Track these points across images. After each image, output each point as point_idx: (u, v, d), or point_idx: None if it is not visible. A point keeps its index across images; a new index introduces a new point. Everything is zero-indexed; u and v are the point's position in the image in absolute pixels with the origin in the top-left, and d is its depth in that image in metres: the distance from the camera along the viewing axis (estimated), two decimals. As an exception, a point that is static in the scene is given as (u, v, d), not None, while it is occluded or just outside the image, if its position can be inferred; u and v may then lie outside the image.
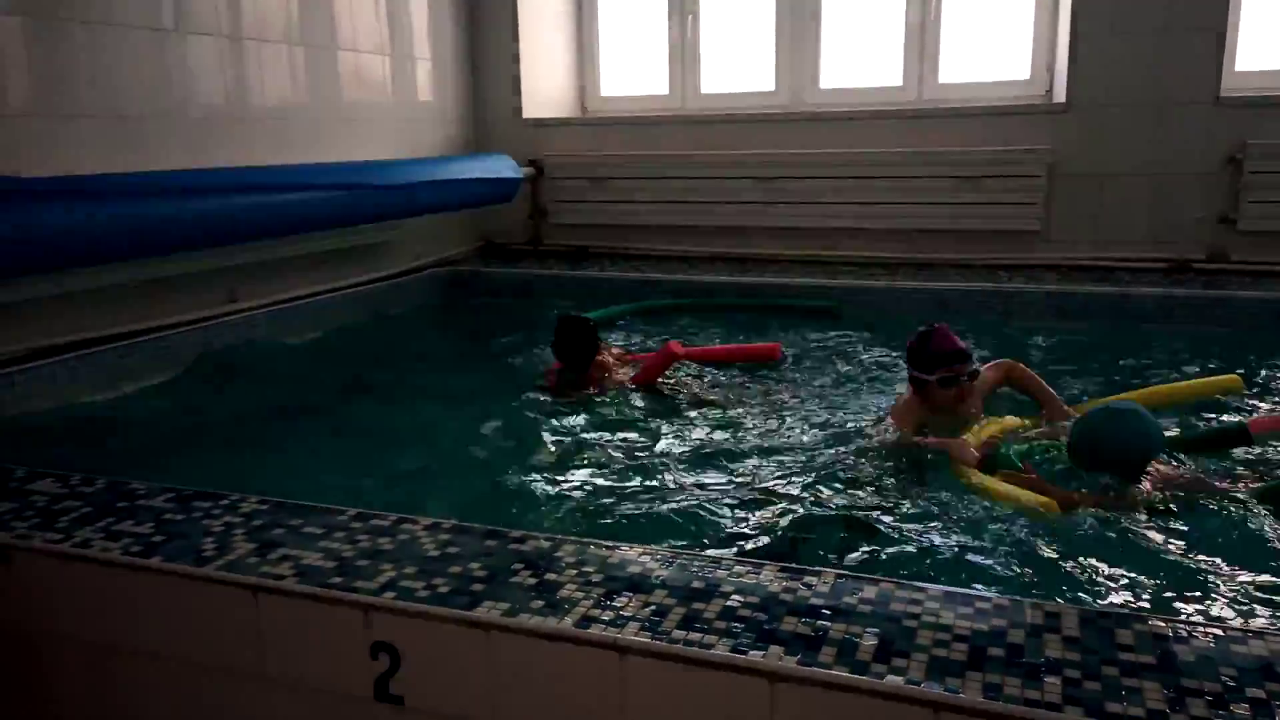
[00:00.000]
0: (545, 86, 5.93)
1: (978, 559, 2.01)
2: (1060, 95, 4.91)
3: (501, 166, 5.32)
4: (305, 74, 4.52)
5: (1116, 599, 1.84)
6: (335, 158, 4.57)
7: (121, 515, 1.95)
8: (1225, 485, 2.31)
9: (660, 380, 3.37)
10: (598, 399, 3.24)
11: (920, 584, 1.57)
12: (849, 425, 2.92)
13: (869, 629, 1.43)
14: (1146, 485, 2.28)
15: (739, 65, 5.78)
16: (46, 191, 3.03)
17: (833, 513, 2.28)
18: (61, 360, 3.23)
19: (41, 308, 3.28)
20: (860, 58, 5.52)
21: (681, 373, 3.49)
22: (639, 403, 3.23)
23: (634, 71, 6.07)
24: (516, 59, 5.74)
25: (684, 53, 5.85)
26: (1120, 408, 2.36)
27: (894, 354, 3.72)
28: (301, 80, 4.50)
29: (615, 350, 3.63)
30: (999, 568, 1.97)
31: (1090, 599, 1.85)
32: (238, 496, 2.02)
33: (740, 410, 3.13)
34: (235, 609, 1.66)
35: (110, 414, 3.14)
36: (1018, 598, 1.52)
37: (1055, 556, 1.99)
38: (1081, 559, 1.97)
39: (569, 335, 3.37)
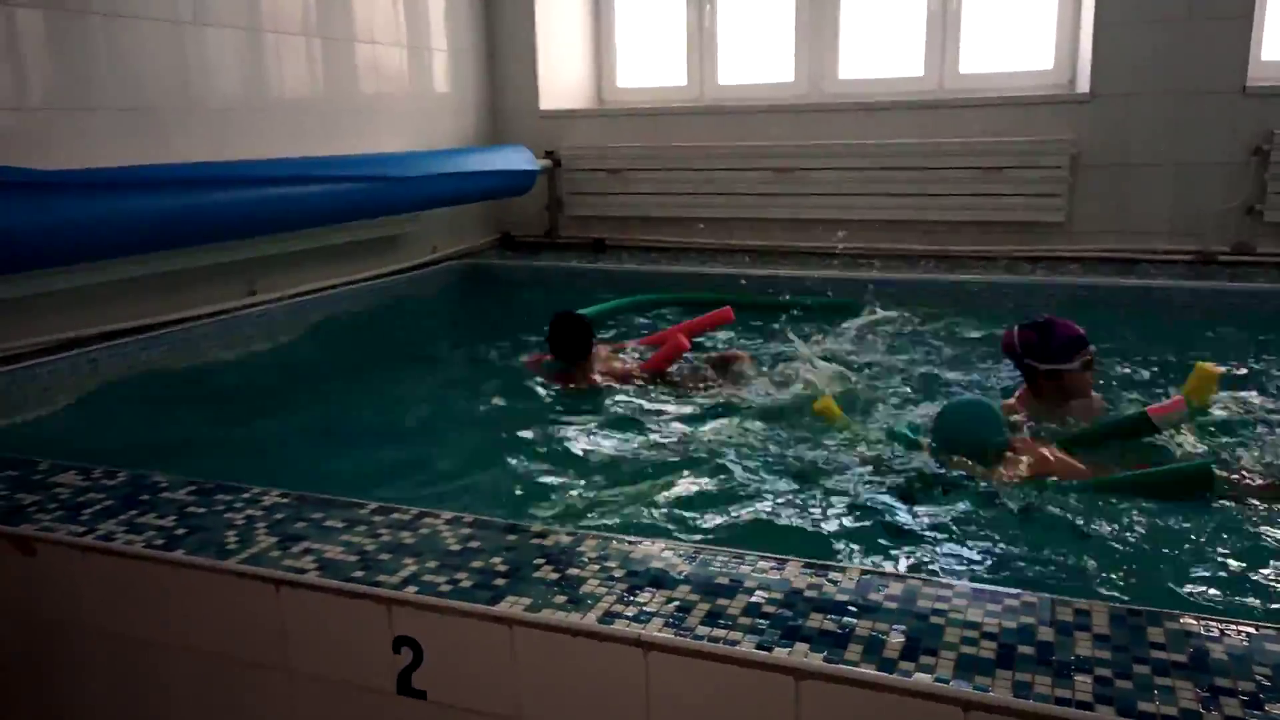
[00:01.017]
0: (562, 78, 5.91)
1: (1006, 555, 1.99)
2: (1084, 85, 4.85)
3: (518, 158, 5.30)
4: (323, 66, 4.51)
5: (1148, 593, 1.81)
6: (353, 150, 4.57)
7: (144, 508, 1.95)
8: (1089, 469, 2.35)
9: (669, 371, 3.37)
10: (615, 389, 3.23)
11: (947, 580, 1.55)
12: (876, 414, 2.90)
13: (895, 626, 1.42)
14: (1003, 471, 2.34)
15: (757, 55, 5.74)
16: (66, 184, 3.04)
17: (859, 504, 2.26)
18: (84, 353, 3.24)
19: (62, 300, 3.30)
20: (880, 47, 5.47)
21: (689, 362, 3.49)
22: (652, 394, 3.22)
23: (651, 62, 6.04)
24: (533, 50, 5.73)
25: (702, 43, 5.81)
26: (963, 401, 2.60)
27: (911, 348, 3.70)
28: (319, 72, 4.50)
29: (605, 350, 3.60)
30: (1024, 563, 1.95)
31: (1120, 595, 1.82)
32: (260, 490, 2.02)
33: (753, 400, 3.11)
34: (258, 602, 1.66)
35: (132, 406, 3.15)
36: (1047, 595, 1.50)
37: (1082, 549, 1.97)
38: (1107, 551, 1.95)
39: (564, 330, 3.34)
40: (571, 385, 3.30)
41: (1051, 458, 2.39)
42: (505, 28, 5.77)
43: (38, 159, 3.13)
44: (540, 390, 3.30)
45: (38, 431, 2.87)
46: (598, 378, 3.33)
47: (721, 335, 4.00)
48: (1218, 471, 2.23)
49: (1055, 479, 2.30)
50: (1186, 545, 2.00)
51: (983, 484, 2.33)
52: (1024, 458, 2.38)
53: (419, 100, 5.22)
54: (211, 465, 2.30)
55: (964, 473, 2.39)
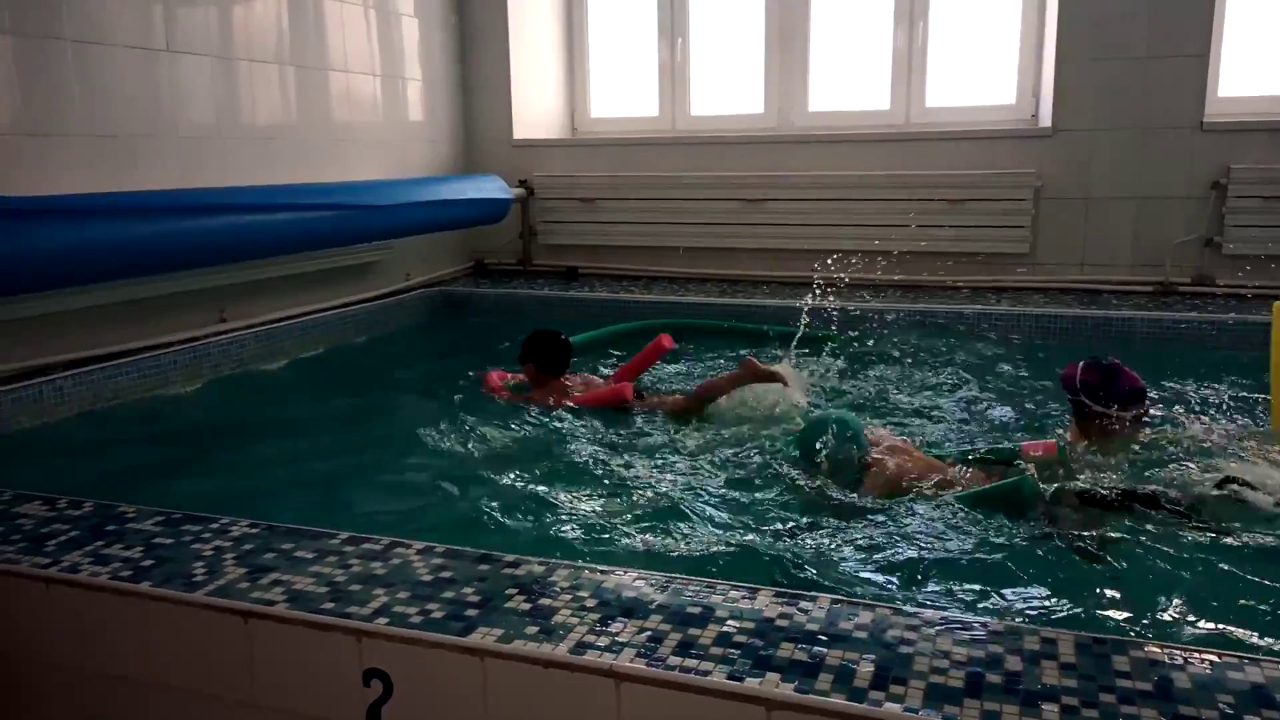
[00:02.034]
0: (536, 108, 5.95)
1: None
2: (1046, 120, 4.97)
3: (492, 187, 5.33)
4: (296, 94, 4.52)
5: (1112, 623, 1.84)
6: (326, 177, 4.57)
7: (111, 539, 1.93)
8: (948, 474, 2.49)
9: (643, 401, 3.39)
10: (584, 414, 3.24)
11: (917, 610, 1.57)
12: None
13: (866, 655, 1.43)
14: (867, 483, 2.48)
15: (728, 88, 5.83)
16: (35, 210, 3.01)
17: (823, 530, 2.27)
18: (49, 380, 3.20)
19: (29, 327, 3.26)
20: (848, 81, 5.57)
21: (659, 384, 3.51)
22: (623, 420, 3.24)
23: (624, 93, 6.11)
24: (507, 80, 5.77)
25: (674, 75, 5.89)
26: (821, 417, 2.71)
27: (877, 377, 3.75)
28: (292, 100, 4.51)
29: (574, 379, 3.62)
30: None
31: (1087, 624, 1.85)
32: (228, 520, 2.01)
33: (723, 431, 3.13)
34: (226, 635, 1.64)
35: (98, 434, 3.11)
36: (1014, 624, 1.52)
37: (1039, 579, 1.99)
38: (1064, 583, 1.98)
39: (547, 342, 3.44)
40: (536, 400, 3.32)
41: (908, 462, 2.54)
42: (479, 58, 5.81)
43: (4, 185, 3.10)
44: (511, 418, 3.29)
45: (1, 460, 2.82)
46: (566, 400, 3.35)
47: (673, 367, 4.01)
48: (1042, 487, 2.34)
49: (916, 482, 2.44)
50: (1153, 574, 2.03)
51: (853, 495, 2.46)
52: (890, 462, 2.52)
53: (393, 129, 5.24)
54: (179, 495, 2.28)
55: (836, 487, 2.51)
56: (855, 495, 2.47)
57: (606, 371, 3.80)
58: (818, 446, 2.57)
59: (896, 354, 4.12)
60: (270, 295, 4.28)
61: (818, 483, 2.54)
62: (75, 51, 3.45)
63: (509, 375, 3.58)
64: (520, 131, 5.84)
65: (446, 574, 1.74)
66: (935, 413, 3.32)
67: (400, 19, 5.25)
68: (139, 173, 3.68)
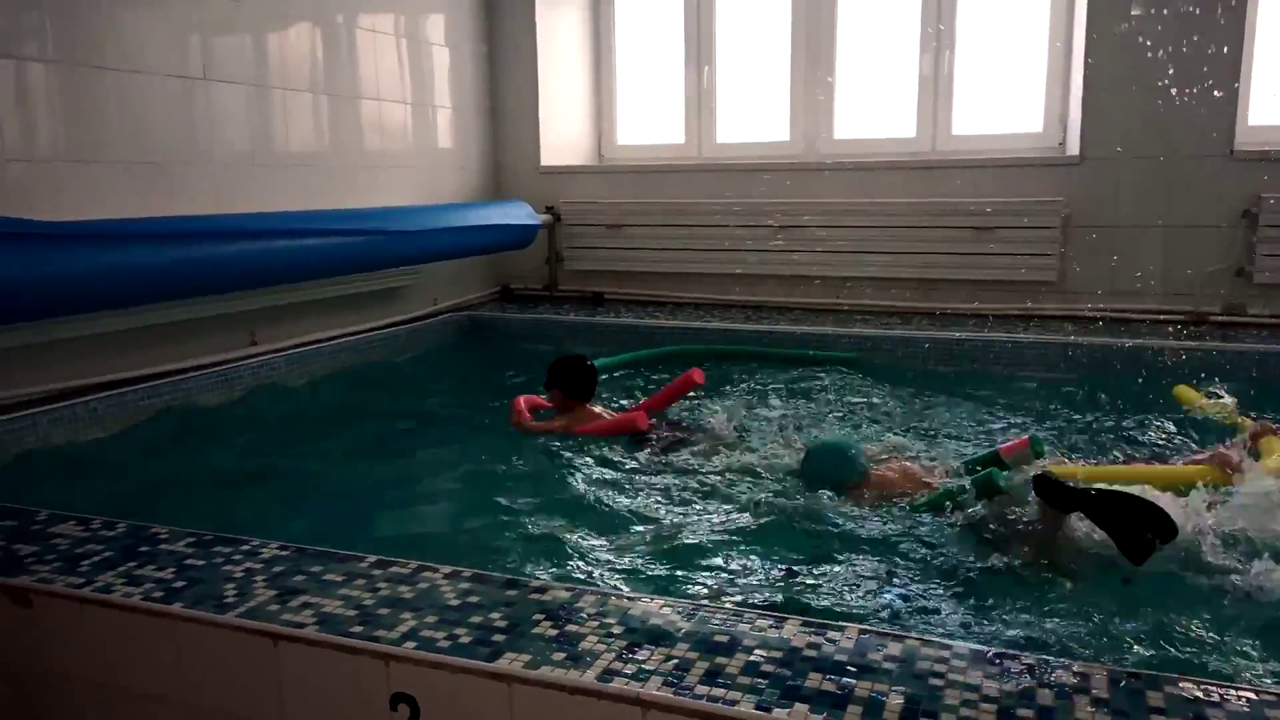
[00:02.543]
0: (563, 135, 6.01)
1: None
2: (1074, 148, 4.96)
3: (519, 213, 5.38)
4: (329, 121, 4.60)
5: (1147, 657, 1.81)
6: (357, 203, 4.64)
7: (143, 559, 1.95)
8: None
9: (669, 432, 3.39)
10: (608, 442, 3.25)
11: (947, 641, 1.56)
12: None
13: (895, 687, 1.42)
14: (855, 494, 2.64)
15: (754, 115, 5.86)
16: (72, 235, 3.07)
17: (856, 560, 2.26)
18: (85, 401, 3.26)
19: (65, 349, 3.32)
20: (874, 109, 5.59)
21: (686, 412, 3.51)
22: (648, 448, 3.24)
23: (650, 121, 6.16)
24: (535, 108, 5.84)
25: (700, 103, 5.93)
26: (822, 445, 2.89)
27: (904, 402, 3.73)
28: (325, 127, 4.58)
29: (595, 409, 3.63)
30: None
31: (1121, 658, 1.82)
32: (258, 542, 2.02)
33: (750, 456, 3.13)
34: (255, 657, 1.65)
35: (131, 456, 3.15)
36: (1046, 657, 1.50)
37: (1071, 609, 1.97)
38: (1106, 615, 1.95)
39: (574, 368, 3.49)
40: (557, 428, 3.33)
41: (893, 474, 2.71)
42: (508, 86, 5.89)
43: (46, 209, 3.17)
44: (538, 444, 3.30)
45: (37, 481, 2.87)
46: (586, 427, 3.35)
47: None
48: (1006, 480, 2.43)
49: (906, 494, 2.60)
50: (1186, 610, 2.00)
51: (852, 509, 2.57)
52: (888, 474, 2.72)
53: (423, 156, 5.31)
54: (210, 516, 2.30)
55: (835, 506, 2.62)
56: (853, 507, 2.60)
57: (625, 402, 3.81)
58: (823, 471, 2.73)
59: (921, 379, 4.11)
60: (300, 319, 4.34)
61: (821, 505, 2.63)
62: (116, 80, 3.53)
63: (537, 400, 3.59)
64: (548, 158, 5.90)
65: (474, 599, 1.74)
66: (952, 438, 3.30)
67: (431, 48, 5.33)
68: (176, 198, 3.75)
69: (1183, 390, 3.50)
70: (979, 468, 2.64)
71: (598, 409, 3.53)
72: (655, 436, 3.32)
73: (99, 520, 2.18)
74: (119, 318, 3.43)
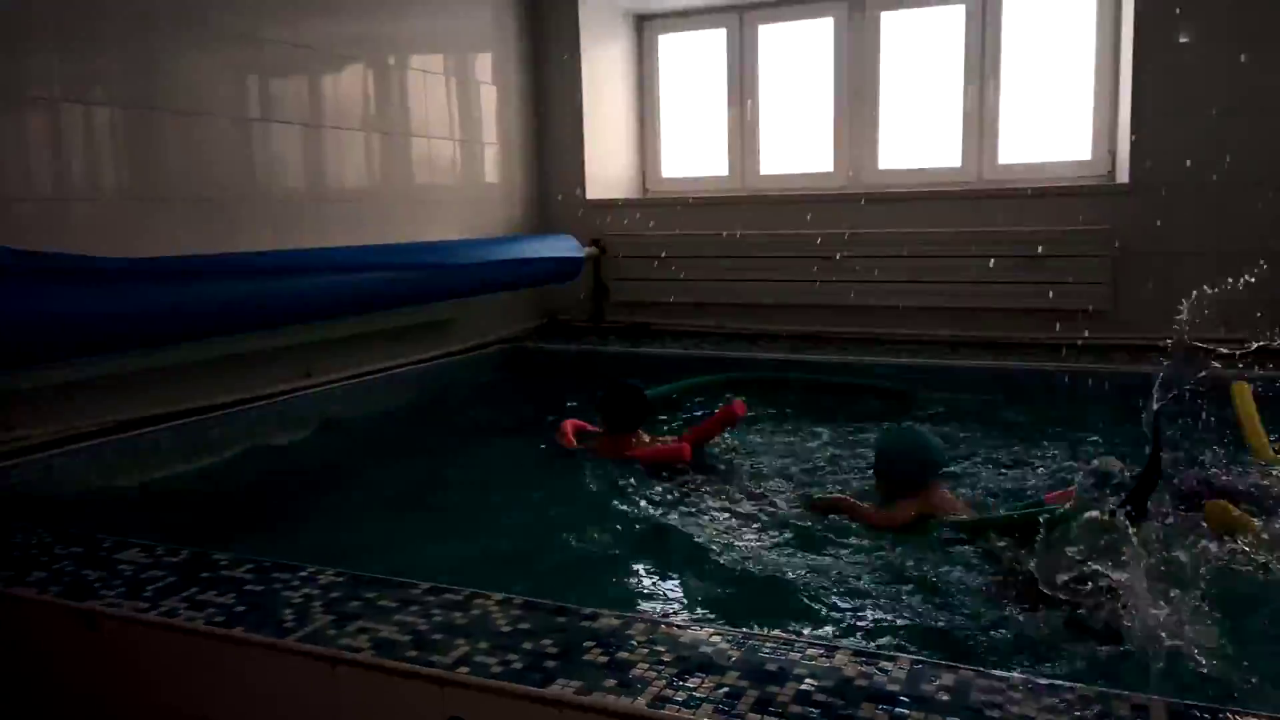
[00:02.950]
0: (608, 168, 6.10)
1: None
2: (1123, 176, 4.91)
3: (565, 246, 5.45)
4: (380, 159, 4.72)
5: (1210, 689, 1.78)
6: (407, 238, 4.74)
7: (205, 585, 2.01)
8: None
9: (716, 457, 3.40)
10: (654, 469, 3.28)
11: (1001, 673, 1.54)
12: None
13: (949, 718, 1.41)
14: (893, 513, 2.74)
15: (798, 147, 5.90)
16: (137, 272, 3.18)
17: (902, 589, 2.25)
18: (147, 432, 3.35)
19: (128, 382, 3.42)
20: (919, 140, 5.60)
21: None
22: (699, 476, 3.25)
23: (695, 154, 6.23)
24: (580, 143, 5.93)
25: (743, 134, 5.98)
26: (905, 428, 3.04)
27: (952, 436, 3.70)
28: (376, 165, 4.70)
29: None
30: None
31: (1180, 690, 1.78)
32: (315, 569, 2.07)
33: (798, 488, 3.13)
34: (314, 680, 1.69)
35: (192, 485, 3.24)
36: (1103, 689, 1.48)
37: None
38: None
39: (623, 398, 3.51)
40: (601, 453, 3.37)
41: (955, 499, 2.81)
42: (554, 122, 5.99)
43: (110, 248, 3.28)
44: (585, 473, 3.33)
45: (103, 509, 2.96)
46: (628, 454, 3.38)
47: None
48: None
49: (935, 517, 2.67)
50: (1248, 644, 1.96)
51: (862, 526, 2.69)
52: (949, 495, 2.83)
53: (470, 190, 5.42)
54: (269, 543, 2.36)
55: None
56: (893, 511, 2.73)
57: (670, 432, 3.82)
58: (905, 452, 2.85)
59: (969, 410, 4.07)
60: (353, 351, 4.43)
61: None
62: (178, 122, 3.66)
63: (585, 425, 3.63)
64: (593, 192, 5.98)
65: (525, 625, 1.77)
66: (1005, 472, 3.27)
67: (479, 86, 5.45)
68: (235, 235, 3.87)
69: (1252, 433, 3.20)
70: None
71: (646, 438, 3.55)
72: (695, 475, 3.34)
73: (162, 548, 2.24)
74: (179, 351, 3.52)
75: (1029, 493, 3.01)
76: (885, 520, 2.71)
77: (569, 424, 3.62)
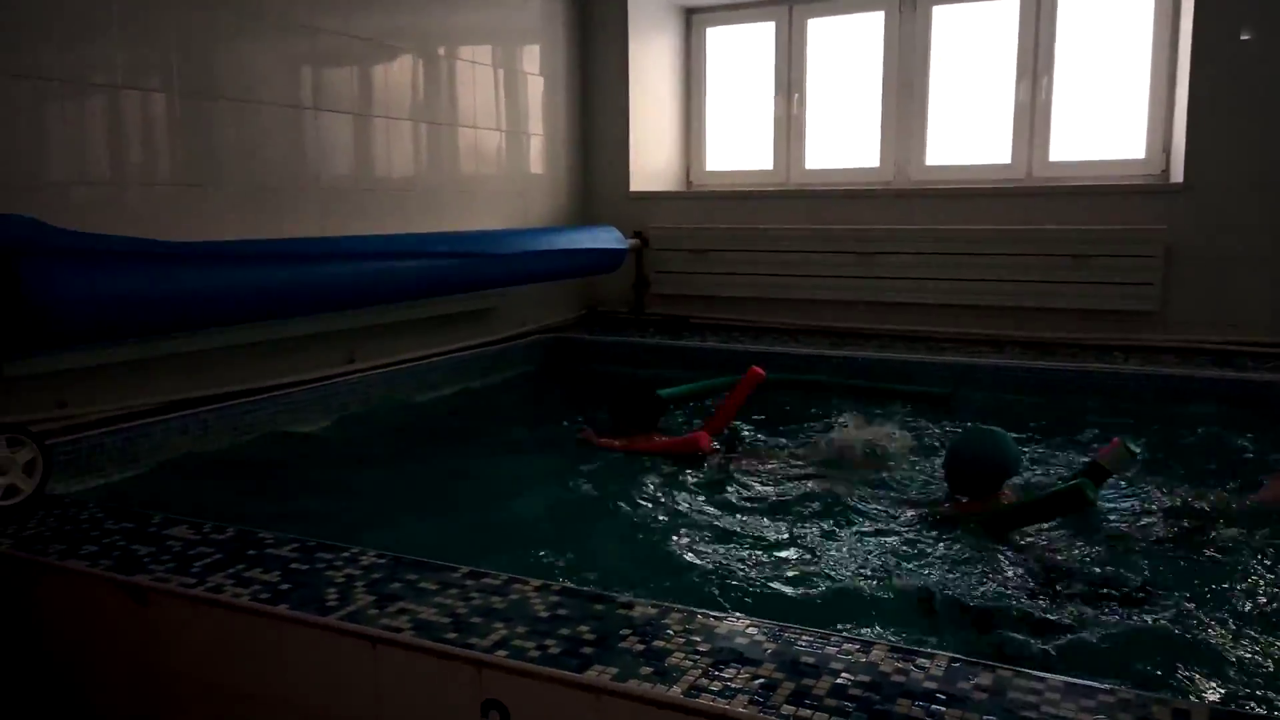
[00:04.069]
0: (652, 161, 6.10)
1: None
2: (1178, 175, 4.80)
3: (608, 237, 5.46)
4: (427, 148, 4.76)
5: (1248, 695, 1.75)
6: (452, 226, 4.78)
7: (250, 563, 2.05)
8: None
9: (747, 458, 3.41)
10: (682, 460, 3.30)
11: (1039, 673, 1.53)
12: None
13: (986, 717, 1.40)
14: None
15: (844, 141, 5.85)
16: (191, 255, 3.25)
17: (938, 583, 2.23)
18: (196, 413, 3.42)
19: (177, 363, 3.49)
20: (967, 135, 5.52)
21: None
22: (731, 467, 3.26)
23: (739, 147, 6.20)
24: (625, 135, 5.93)
25: (789, 128, 5.95)
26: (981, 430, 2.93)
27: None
28: (423, 154, 4.75)
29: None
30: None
31: (1224, 695, 1.76)
32: (358, 550, 2.10)
33: (834, 485, 3.11)
34: (355, 659, 1.72)
35: (238, 464, 3.30)
36: (1143, 692, 1.46)
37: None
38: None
39: (629, 400, 3.57)
40: (618, 446, 3.44)
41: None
42: (600, 114, 6.00)
43: (163, 231, 3.35)
44: (620, 464, 3.35)
45: (152, 486, 3.03)
46: (643, 445, 3.42)
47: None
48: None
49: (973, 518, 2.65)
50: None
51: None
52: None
53: (516, 181, 5.45)
54: (311, 524, 2.40)
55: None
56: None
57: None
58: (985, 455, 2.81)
59: (1014, 410, 4.02)
60: (396, 338, 4.48)
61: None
62: (233, 109, 3.73)
63: (606, 443, 3.65)
64: (637, 184, 5.98)
65: (563, 611, 1.78)
66: (1050, 474, 3.23)
67: (526, 77, 5.48)
68: (283, 221, 3.93)
69: None
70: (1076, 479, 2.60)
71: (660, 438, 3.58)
72: (720, 460, 3.34)
73: (209, 525, 2.29)
74: (226, 333, 3.58)
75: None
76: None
77: (588, 434, 3.65)
